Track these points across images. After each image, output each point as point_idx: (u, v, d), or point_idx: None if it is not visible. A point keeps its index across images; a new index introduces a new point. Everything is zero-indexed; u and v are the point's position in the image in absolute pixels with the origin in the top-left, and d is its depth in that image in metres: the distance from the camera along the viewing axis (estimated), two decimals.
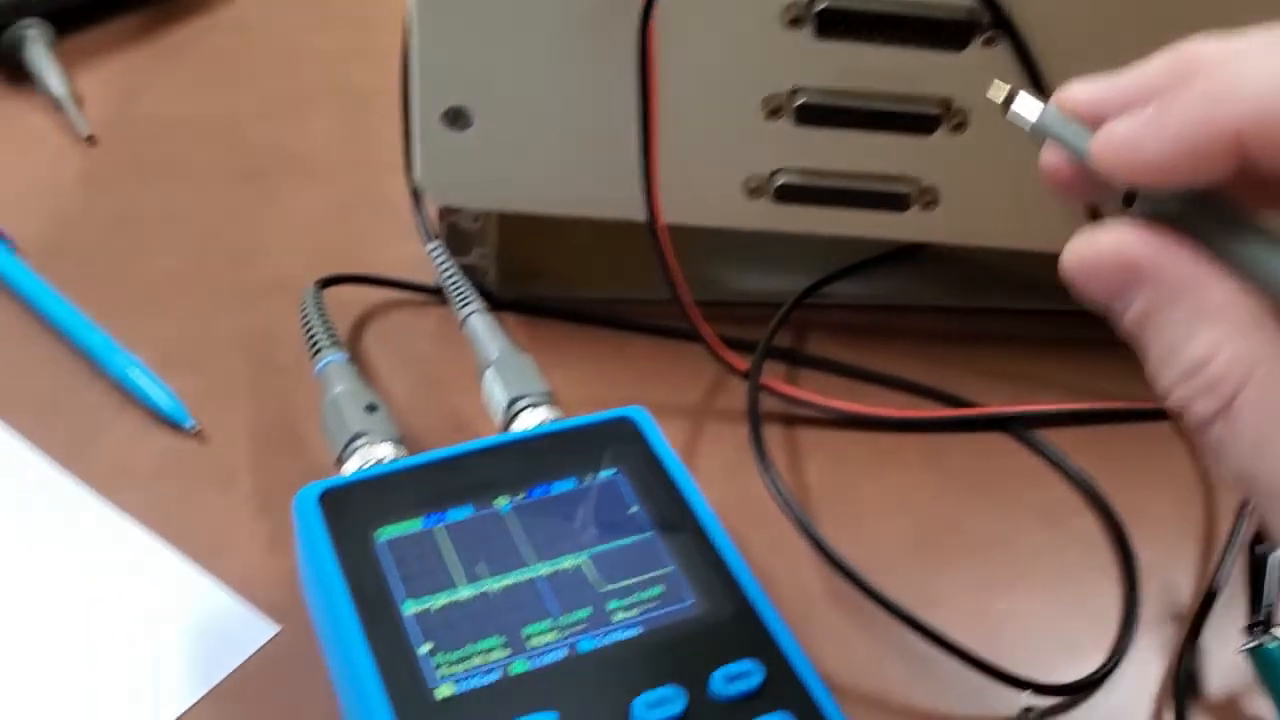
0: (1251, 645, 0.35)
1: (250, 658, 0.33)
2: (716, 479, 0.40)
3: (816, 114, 0.38)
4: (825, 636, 0.36)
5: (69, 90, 0.53)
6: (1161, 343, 0.24)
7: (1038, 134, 0.24)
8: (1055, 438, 0.43)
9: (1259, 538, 0.37)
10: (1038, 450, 0.43)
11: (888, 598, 0.35)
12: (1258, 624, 0.35)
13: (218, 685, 0.33)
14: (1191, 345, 0.23)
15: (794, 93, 0.38)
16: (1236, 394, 0.22)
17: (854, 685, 0.35)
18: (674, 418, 0.42)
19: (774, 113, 0.39)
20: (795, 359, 0.45)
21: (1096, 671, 0.35)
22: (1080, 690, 0.35)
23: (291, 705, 0.33)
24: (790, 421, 0.43)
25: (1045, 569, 0.39)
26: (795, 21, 0.37)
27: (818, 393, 0.43)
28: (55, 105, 0.53)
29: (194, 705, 0.32)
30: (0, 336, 0.42)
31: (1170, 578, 0.39)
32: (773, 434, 0.42)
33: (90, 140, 0.51)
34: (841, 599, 0.37)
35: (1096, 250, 0.24)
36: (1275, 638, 0.35)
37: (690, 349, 0.45)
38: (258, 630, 0.34)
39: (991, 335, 0.47)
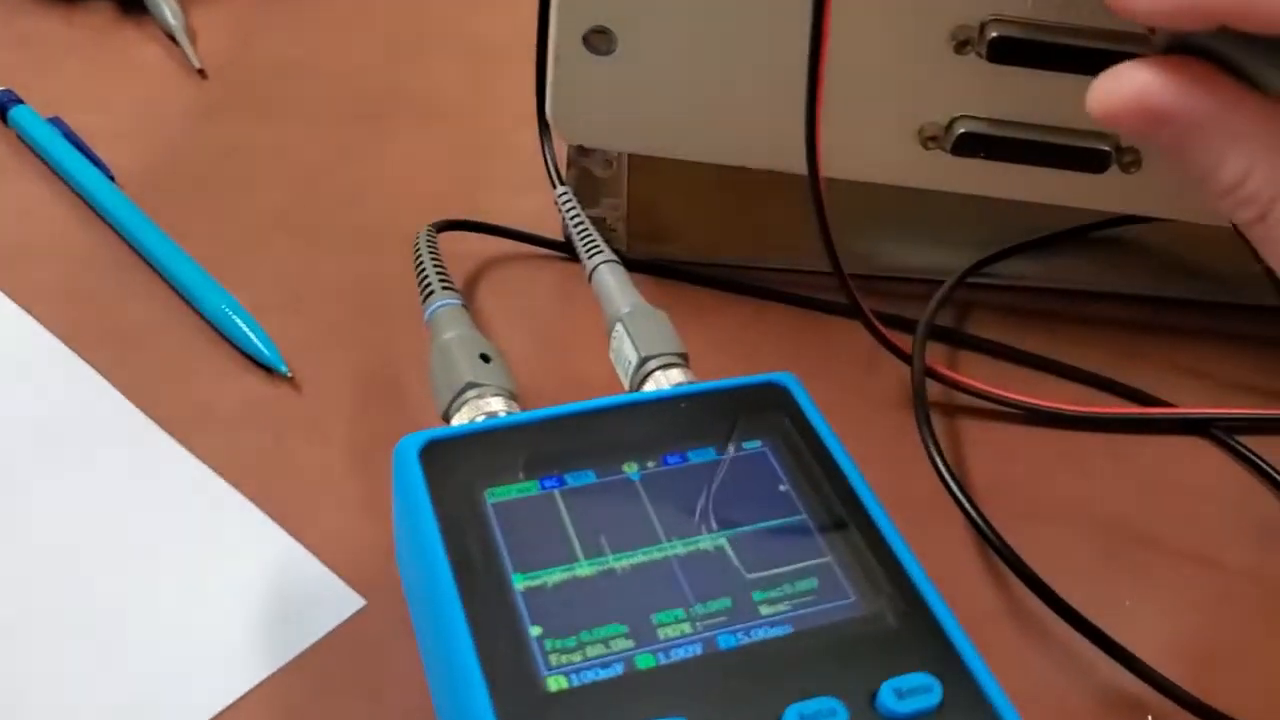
0: None
1: (332, 631, 0.29)
2: (866, 468, 0.35)
3: (1013, 49, 0.33)
4: (997, 653, 0.30)
5: (184, 23, 0.50)
6: (1197, 167, 0.25)
7: None
8: (1257, 446, 0.37)
9: None
10: (1243, 459, 0.37)
11: (1086, 617, 0.30)
12: None
13: (293, 659, 0.29)
14: (1224, 170, 0.24)
15: (989, 23, 0.33)
16: (1270, 207, 0.24)
17: (1029, 712, 0.29)
18: (818, 397, 0.37)
19: (962, 45, 0.34)
20: (958, 341, 0.40)
21: None
22: None
23: (372, 686, 0.28)
24: (952, 411, 0.38)
25: (1259, 593, 0.33)
26: None
27: (985, 380, 0.38)
28: (169, 37, 0.50)
29: (267, 679, 0.28)
30: (91, 266, 0.39)
31: None
32: (933, 423, 0.37)
33: (202, 74, 0.48)
34: (1016, 611, 0.32)
35: (1118, 97, 0.24)
36: None
37: (837, 322, 0.40)
38: (343, 603, 0.30)
39: (1179, 328, 0.41)
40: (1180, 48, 0.24)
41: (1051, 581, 0.32)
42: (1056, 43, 0.33)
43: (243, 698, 0.28)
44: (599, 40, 0.35)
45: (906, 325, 0.39)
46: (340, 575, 0.30)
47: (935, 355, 0.39)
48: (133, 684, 0.28)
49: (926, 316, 0.38)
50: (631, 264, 0.41)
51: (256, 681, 0.28)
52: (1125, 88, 0.24)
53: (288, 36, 0.52)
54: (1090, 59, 0.33)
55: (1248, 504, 0.36)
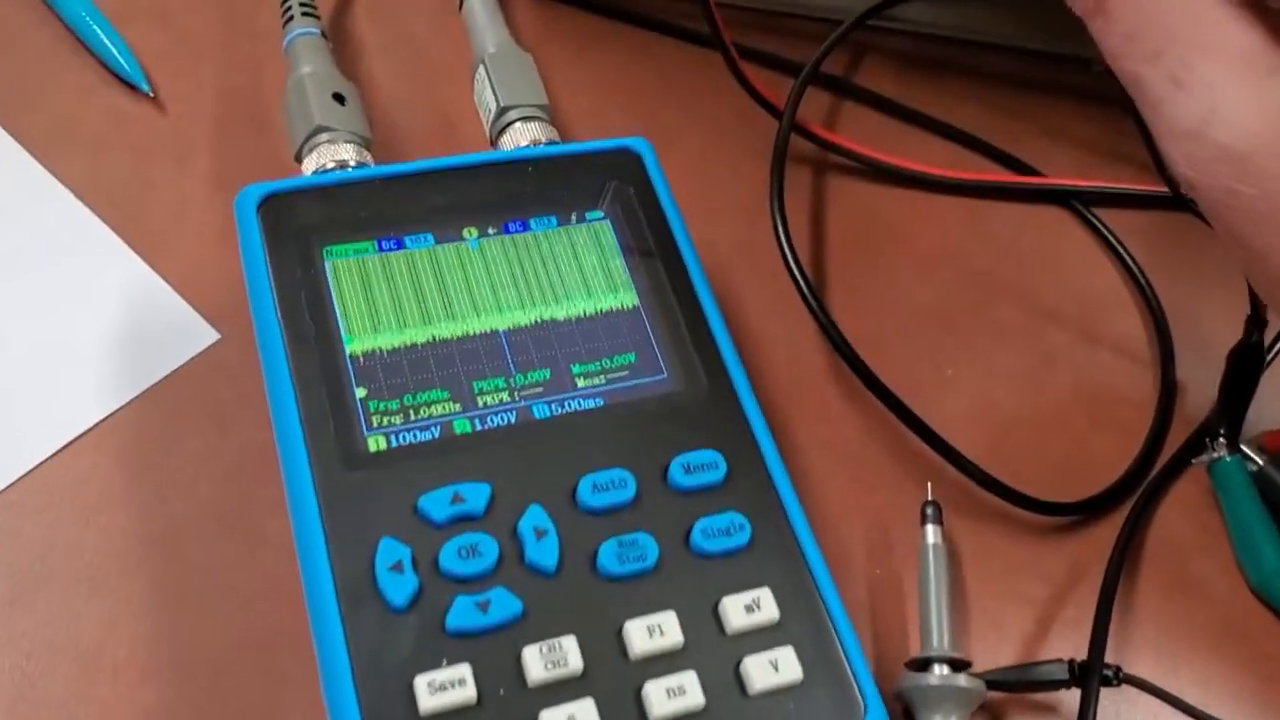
0: (1205, 461, 0.33)
1: (185, 363, 0.31)
2: (725, 221, 0.36)
3: None
4: (815, 414, 0.33)
5: None
6: None
7: None
8: (1116, 220, 0.38)
9: (1239, 346, 0.32)
10: (1095, 231, 0.38)
11: (887, 387, 0.31)
12: (1214, 437, 0.33)
13: (147, 389, 0.30)
14: None
15: None
16: None
17: (831, 472, 0.32)
18: (691, 143, 0.38)
19: None
20: (841, 89, 0.40)
21: (1099, 495, 0.32)
22: (1076, 512, 0.32)
23: (221, 419, 0.30)
24: (821, 168, 0.38)
25: (1077, 365, 0.35)
26: None
27: (859, 137, 0.38)
28: None
29: (121, 408, 0.30)
30: None
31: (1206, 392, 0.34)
32: (800, 178, 0.38)
33: None
34: (841, 375, 0.34)
35: None
36: (1231, 453, 0.32)
37: (720, 63, 0.39)
38: (197, 335, 0.31)
39: (1061, 86, 0.41)
40: None
41: (884, 345, 0.34)
42: None
43: (95, 425, 0.30)
44: None
45: (794, 69, 0.38)
46: (195, 307, 0.32)
47: (817, 105, 0.39)
48: None
49: (807, 68, 0.38)
50: None
51: (110, 410, 0.30)
52: None
53: None
54: None
55: (1088, 276, 0.37)
